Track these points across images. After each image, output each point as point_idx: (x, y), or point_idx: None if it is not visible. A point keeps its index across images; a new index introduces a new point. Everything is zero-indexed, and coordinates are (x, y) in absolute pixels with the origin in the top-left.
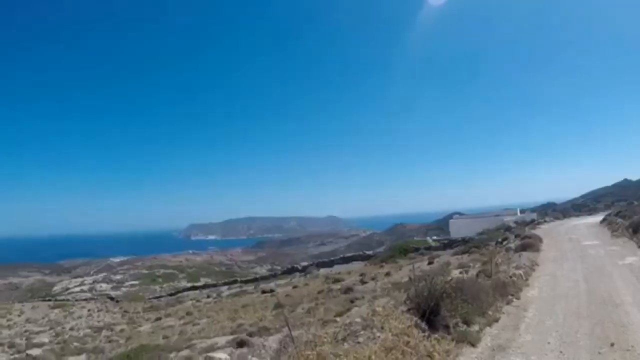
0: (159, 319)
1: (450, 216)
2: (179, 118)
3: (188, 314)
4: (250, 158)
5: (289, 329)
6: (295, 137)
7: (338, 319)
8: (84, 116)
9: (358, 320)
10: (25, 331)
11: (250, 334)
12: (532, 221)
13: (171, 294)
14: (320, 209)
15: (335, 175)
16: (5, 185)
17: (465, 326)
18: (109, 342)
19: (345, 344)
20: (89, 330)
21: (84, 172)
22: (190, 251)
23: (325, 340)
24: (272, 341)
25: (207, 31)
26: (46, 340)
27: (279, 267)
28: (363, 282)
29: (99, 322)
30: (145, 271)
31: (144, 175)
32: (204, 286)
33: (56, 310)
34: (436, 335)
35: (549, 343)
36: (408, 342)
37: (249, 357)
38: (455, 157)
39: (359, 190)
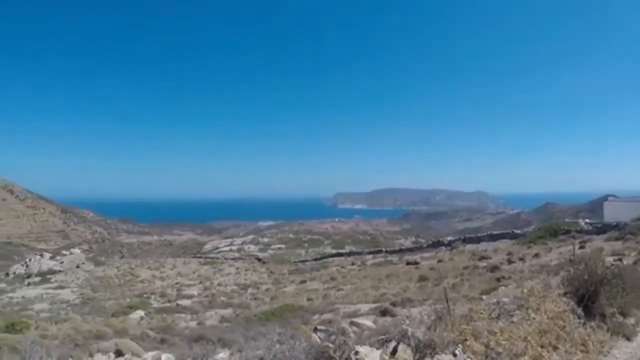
0: (303, 281)
1: (604, 198)
2: (334, 93)
3: (332, 279)
4: (400, 129)
5: (446, 300)
6: (446, 111)
7: (484, 297)
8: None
9: (505, 299)
10: (177, 283)
11: (394, 304)
12: None
13: (316, 259)
14: (468, 183)
15: (485, 149)
16: (168, 154)
17: (621, 317)
18: (255, 299)
19: (499, 322)
20: (236, 287)
21: (242, 142)
22: (337, 219)
23: (481, 315)
24: (417, 313)
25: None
26: (195, 293)
27: (423, 240)
28: (510, 262)
29: (245, 280)
30: (292, 236)
31: (300, 144)
32: (349, 253)
33: (206, 267)
34: (592, 324)
35: None
36: (563, 327)
37: (403, 326)
38: (611, 135)
39: (509, 166)
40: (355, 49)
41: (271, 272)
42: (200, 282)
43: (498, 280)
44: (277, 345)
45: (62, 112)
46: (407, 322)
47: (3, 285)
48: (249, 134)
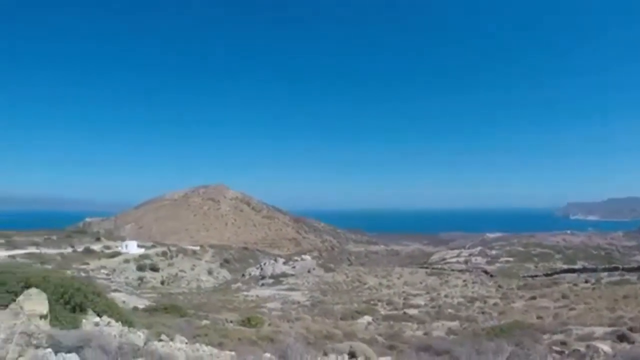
0: (533, 298)
1: None
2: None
3: (564, 297)
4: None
5: None
6: None
7: None
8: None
9: None
10: (403, 292)
11: (631, 329)
12: None
13: (546, 274)
14: None
15: None
16: (395, 167)
17: None
18: (482, 313)
19: None
20: (463, 300)
21: (469, 151)
22: (568, 231)
23: None
24: None
25: None
26: (422, 302)
27: None
28: None
29: (472, 293)
30: (520, 249)
31: (525, 153)
32: (582, 270)
33: (432, 277)
34: None
35: None
36: None
37: None
38: None
39: None
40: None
41: (499, 286)
42: (427, 293)
43: None
44: None
45: (294, 133)
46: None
47: (239, 284)
48: (476, 144)
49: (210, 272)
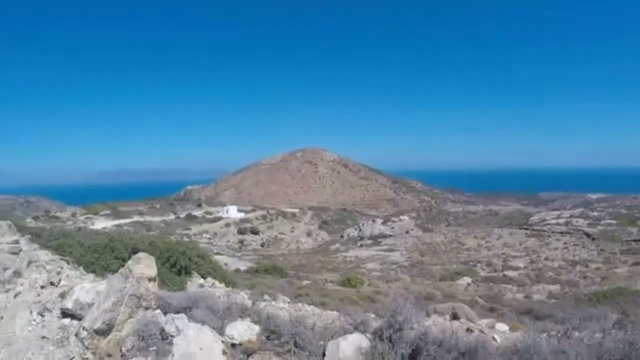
0: (636, 263)
1: None
2: None
3: None
4: None
5: None
6: None
7: None
8: None
9: None
10: (502, 254)
11: None
12: None
13: None
14: None
15: None
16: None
17: None
18: (583, 277)
19: None
20: (564, 263)
21: (575, 109)
22: None
23: None
24: None
25: None
26: (521, 265)
27: None
28: None
29: (574, 256)
30: (624, 211)
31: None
32: None
33: (532, 239)
34: None
35: None
36: None
37: None
38: None
39: None
40: None
41: (601, 249)
42: (527, 255)
43: None
44: (614, 331)
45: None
46: None
47: (338, 245)
48: (578, 103)
49: (309, 234)
